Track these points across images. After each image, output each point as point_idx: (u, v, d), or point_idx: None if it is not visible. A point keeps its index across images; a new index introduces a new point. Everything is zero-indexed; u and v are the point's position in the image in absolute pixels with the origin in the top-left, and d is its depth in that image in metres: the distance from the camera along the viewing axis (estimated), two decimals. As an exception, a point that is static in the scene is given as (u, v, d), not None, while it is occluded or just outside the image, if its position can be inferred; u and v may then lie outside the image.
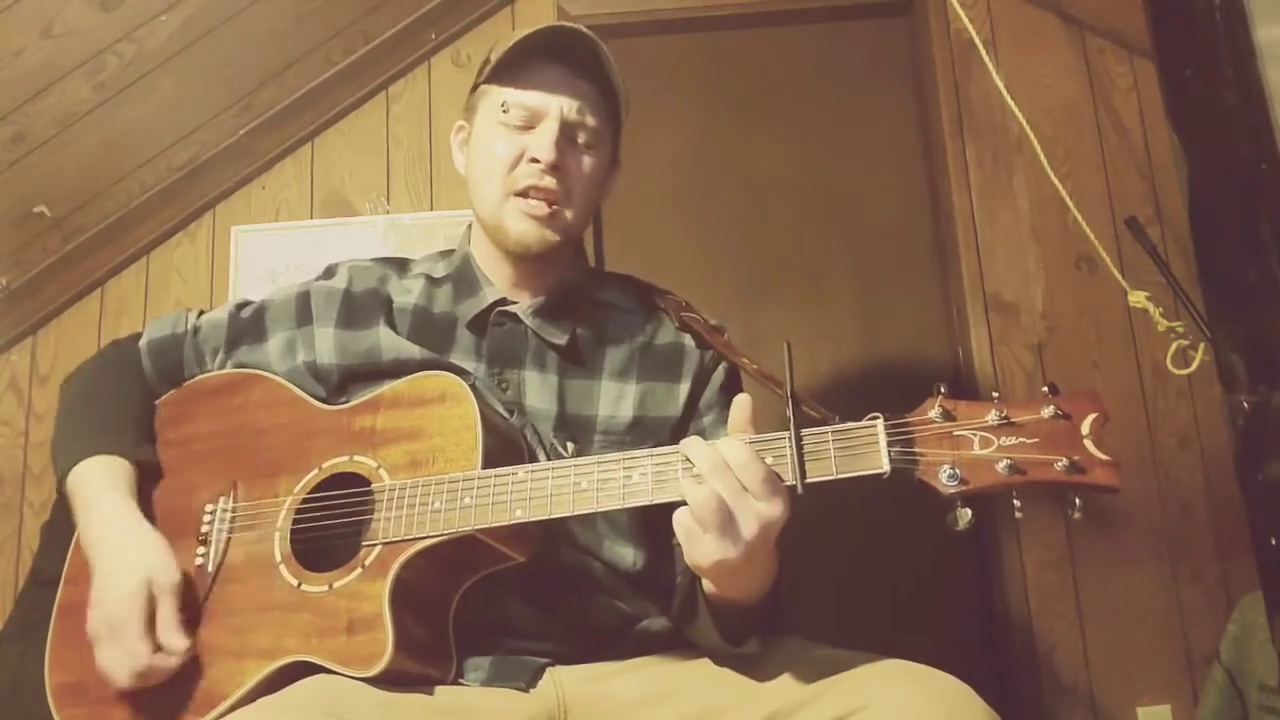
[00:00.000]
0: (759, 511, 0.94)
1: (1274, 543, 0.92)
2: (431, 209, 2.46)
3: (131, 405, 1.28)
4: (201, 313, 1.37)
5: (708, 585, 1.03)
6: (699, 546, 0.94)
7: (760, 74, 2.63)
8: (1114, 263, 2.09)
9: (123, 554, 1.12)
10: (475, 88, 1.32)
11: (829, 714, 0.99)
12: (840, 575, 2.27)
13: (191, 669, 1.09)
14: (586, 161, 1.27)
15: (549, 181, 1.23)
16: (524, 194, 1.24)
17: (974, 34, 2.14)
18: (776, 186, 2.56)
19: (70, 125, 2.12)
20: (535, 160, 1.23)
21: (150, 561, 1.10)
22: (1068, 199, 2.05)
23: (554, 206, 1.24)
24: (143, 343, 1.34)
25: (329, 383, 1.26)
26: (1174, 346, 1.93)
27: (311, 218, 2.47)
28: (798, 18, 2.64)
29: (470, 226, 1.37)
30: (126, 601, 1.08)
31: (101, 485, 1.18)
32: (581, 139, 1.26)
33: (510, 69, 1.26)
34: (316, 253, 2.38)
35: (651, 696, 1.10)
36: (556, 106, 1.24)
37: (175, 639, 1.08)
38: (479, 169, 1.28)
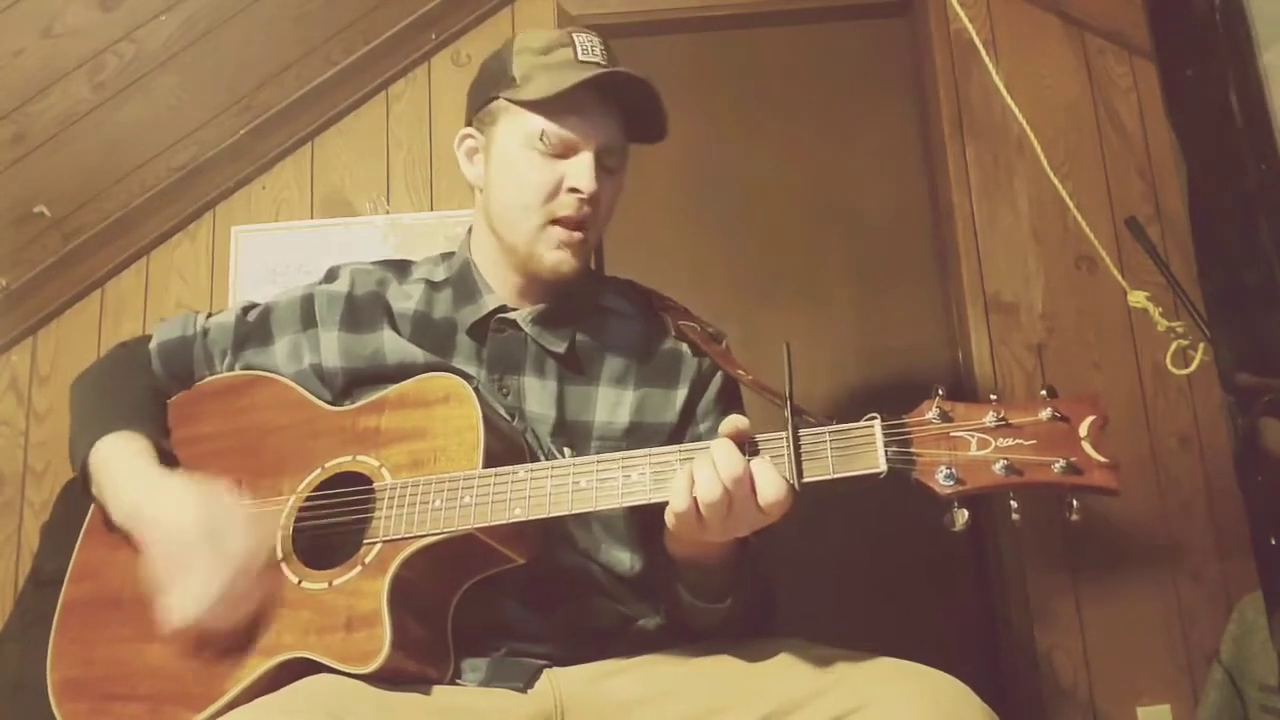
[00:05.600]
0: (759, 521, 0.98)
1: (1274, 543, 0.92)
2: (431, 209, 2.46)
3: (146, 396, 1.29)
4: (210, 315, 1.37)
5: (671, 542, 1.08)
6: (686, 524, 0.99)
7: (760, 74, 2.63)
8: (1114, 263, 2.09)
9: (181, 495, 1.12)
10: (490, 99, 1.27)
11: (827, 713, 0.99)
12: (839, 574, 2.27)
13: (190, 664, 1.09)
14: (612, 184, 1.27)
15: (586, 210, 1.23)
16: (558, 222, 1.23)
17: (974, 34, 2.14)
18: (776, 186, 2.56)
19: (70, 125, 2.12)
20: (574, 190, 1.22)
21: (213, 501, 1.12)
22: (1068, 199, 2.05)
23: (585, 233, 1.25)
24: (153, 345, 1.34)
25: (334, 385, 1.26)
26: (1174, 346, 1.92)
27: (311, 218, 2.47)
28: (798, 18, 2.64)
29: (471, 230, 1.36)
30: (203, 523, 1.08)
31: (128, 453, 1.18)
32: (610, 164, 1.26)
33: (552, 100, 1.22)
34: (317, 253, 2.38)
35: (649, 696, 1.10)
36: (594, 139, 1.23)
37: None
38: (511, 195, 1.25)
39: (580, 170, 1.22)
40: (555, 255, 1.23)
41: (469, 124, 1.32)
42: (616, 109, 1.25)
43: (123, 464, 1.18)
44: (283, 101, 2.41)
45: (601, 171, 1.23)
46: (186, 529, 1.08)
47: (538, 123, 1.22)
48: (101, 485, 1.18)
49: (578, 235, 1.24)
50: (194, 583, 1.05)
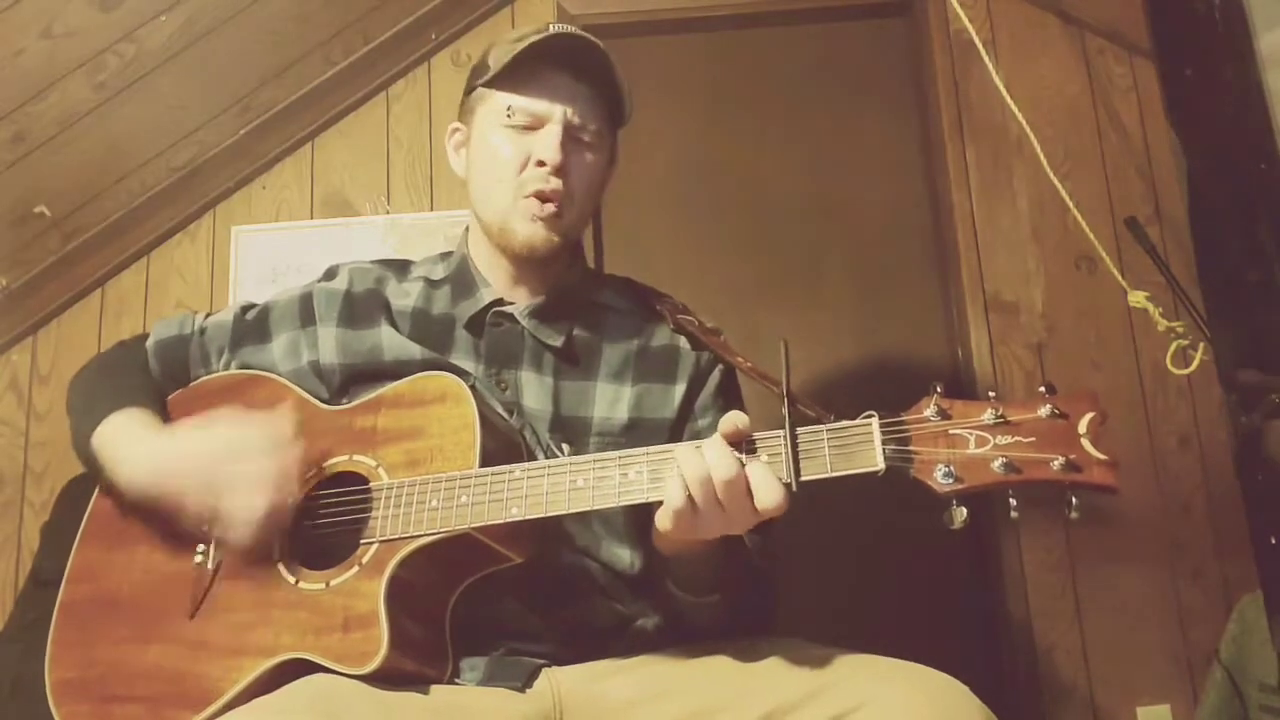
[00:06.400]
0: (754, 520, 0.99)
1: (1274, 543, 0.92)
2: (431, 209, 2.46)
3: (148, 384, 1.29)
4: (209, 315, 1.37)
5: (658, 537, 1.07)
6: (683, 521, 0.99)
7: (760, 74, 2.63)
8: (1114, 263, 2.09)
9: (195, 432, 1.13)
10: (470, 90, 1.32)
11: (826, 713, 0.99)
12: (839, 574, 2.27)
13: (188, 665, 1.09)
14: (588, 161, 1.27)
15: (555, 184, 1.23)
16: (532, 196, 1.24)
17: (974, 34, 2.14)
18: (776, 187, 2.56)
19: (70, 125, 2.12)
20: (541, 163, 1.23)
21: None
22: (1068, 199, 2.05)
23: (559, 207, 1.25)
24: (150, 343, 1.34)
25: (331, 382, 1.26)
26: (1174, 346, 1.92)
27: (311, 218, 2.47)
28: (798, 18, 2.64)
29: (468, 228, 1.37)
30: (228, 442, 1.09)
31: (135, 424, 1.19)
32: (584, 138, 1.27)
33: (512, 73, 1.26)
34: (317, 253, 2.38)
35: (647, 696, 1.10)
36: (560, 111, 1.24)
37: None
38: (483, 172, 1.28)
39: (545, 141, 1.24)
40: (528, 228, 1.24)
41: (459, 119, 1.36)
42: (588, 85, 1.27)
43: (131, 432, 1.18)
44: (283, 101, 2.41)
45: (572, 144, 1.25)
46: (215, 452, 1.09)
47: (505, 99, 1.26)
48: (113, 460, 1.17)
49: (550, 207, 1.24)
50: (242, 495, 1.07)
